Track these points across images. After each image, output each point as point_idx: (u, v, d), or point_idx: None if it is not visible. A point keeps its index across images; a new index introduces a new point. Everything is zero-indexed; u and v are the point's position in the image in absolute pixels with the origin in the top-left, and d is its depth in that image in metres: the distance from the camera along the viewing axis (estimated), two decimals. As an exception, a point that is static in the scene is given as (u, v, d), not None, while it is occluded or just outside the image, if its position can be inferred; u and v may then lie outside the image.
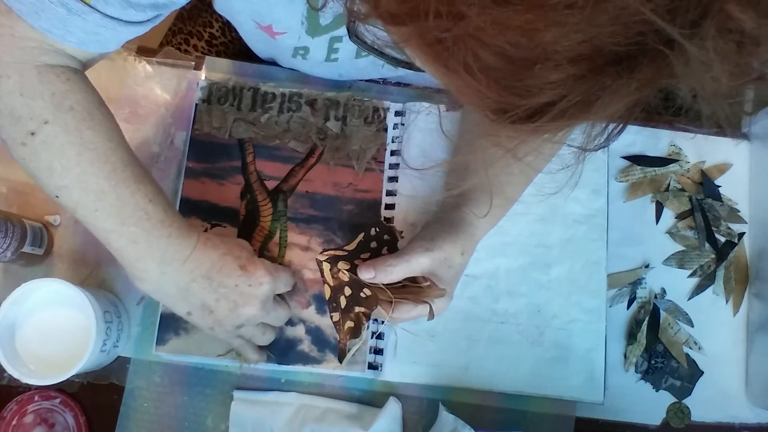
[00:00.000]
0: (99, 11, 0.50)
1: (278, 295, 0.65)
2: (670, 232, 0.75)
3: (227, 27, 0.89)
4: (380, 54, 0.39)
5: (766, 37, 0.27)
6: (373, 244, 0.63)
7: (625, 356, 0.72)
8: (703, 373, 0.72)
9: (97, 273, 0.70)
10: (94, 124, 0.55)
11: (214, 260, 0.59)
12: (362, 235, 0.63)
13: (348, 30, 0.38)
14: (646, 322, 0.72)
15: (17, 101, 0.53)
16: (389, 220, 0.72)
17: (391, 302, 0.59)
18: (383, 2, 0.30)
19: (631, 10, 0.25)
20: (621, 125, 0.32)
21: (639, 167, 0.76)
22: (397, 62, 0.39)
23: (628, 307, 0.73)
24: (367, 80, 0.76)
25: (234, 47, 0.89)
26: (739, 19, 0.26)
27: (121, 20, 0.52)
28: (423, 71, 0.34)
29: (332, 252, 0.61)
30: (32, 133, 0.53)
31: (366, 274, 0.59)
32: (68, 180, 0.54)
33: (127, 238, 0.56)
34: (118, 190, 0.55)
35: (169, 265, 0.57)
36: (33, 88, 0.53)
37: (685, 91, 0.30)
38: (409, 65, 0.36)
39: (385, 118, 0.74)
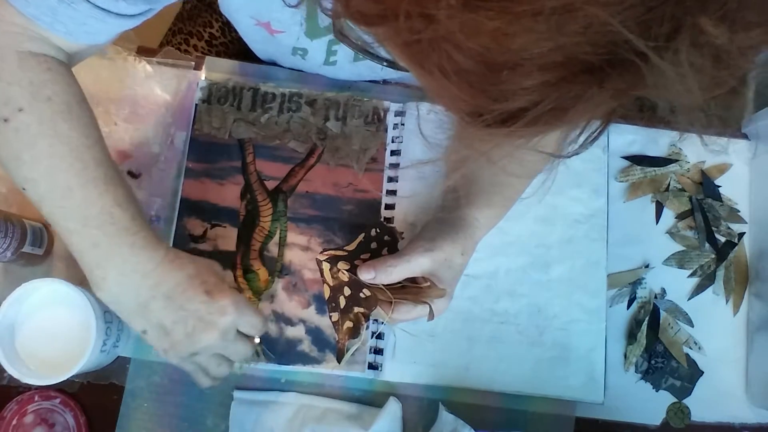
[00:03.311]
0: (89, 1, 0.49)
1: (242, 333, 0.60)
2: (670, 232, 0.75)
3: (227, 27, 0.89)
4: (366, 53, 0.39)
5: (739, 52, 0.27)
6: (373, 245, 0.63)
7: (625, 356, 0.72)
8: (703, 373, 0.72)
9: (97, 273, 0.70)
10: (71, 117, 0.54)
11: (178, 280, 0.55)
12: (362, 235, 0.63)
13: (333, 28, 0.38)
14: (646, 322, 0.72)
15: None
16: (389, 220, 0.72)
17: (391, 303, 0.59)
18: (353, 2, 0.30)
19: (601, 21, 0.25)
20: (596, 133, 0.32)
21: (639, 167, 0.76)
22: (383, 62, 0.39)
23: (628, 307, 0.73)
24: (366, 80, 0.76)
25: (234, 47, 0.89)
26: (711, 34, 0.26)
27: (111, 12, 0.51)
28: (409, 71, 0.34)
29: (332, 252, 0.61)
30: (5, 120, 0.52)
31: (366, 275, 0.59)
32: (36, 173, 0.53)
33: (89, 241, 0.53)
34: (86, 189, 0.53)
35: (129, 276, 0.54)
36: (11, 73, 0.52)
37: (663, 101, 0.30)
38: (395, 65, 0.36)
39: (385, 118, 0.74)
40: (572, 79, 0.27)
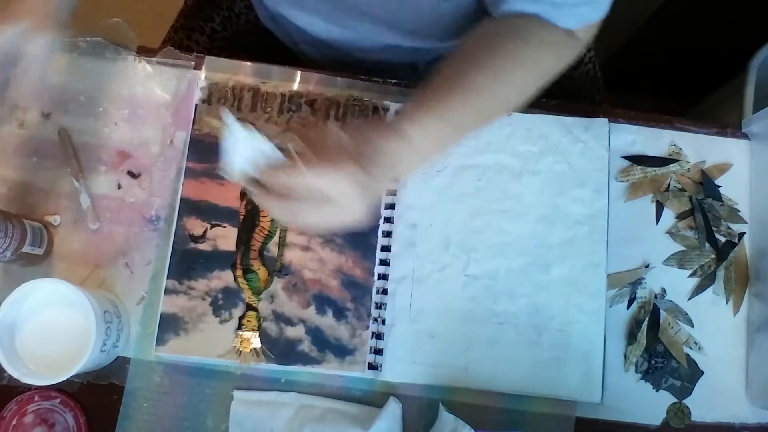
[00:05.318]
0: None
1: None
2: (670, 232, 0.75)
3: (228, 21, 0.89)
4: None
5: None
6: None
7: (625, 356, 0.72)
8: (703, 373, 0.72)
9: (97, 273, 0.70)
10: None
11: None
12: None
13: None
14: (646, 322, 0.72)
15: None
16: (389, 219, 0.72)
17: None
18: None
19: None
20: None
21: (639, 167, 0.76)
22: None
23: (628, 307, 0.73)
24: (366, 80, 0.76)
25: (236, 41, 0.90)
26: None
27: None
28: None
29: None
30: None
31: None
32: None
33: None
34: None
35: None
36: None
37: None
38: None
39: (385, 117, 0.74)
40: None
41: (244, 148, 0.53)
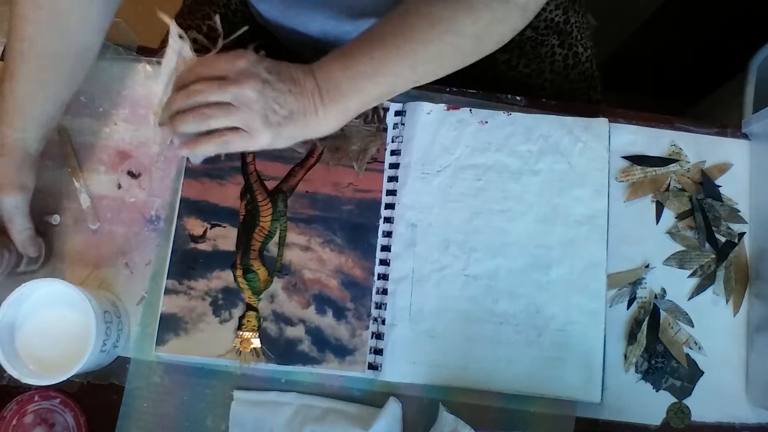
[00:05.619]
0: None
1: None
2: (670, 232, 0.75)
3: (225, 19, 0.89)
4: None
5: None
6: None
7: (625, 356, 0.72)
8: (703, 373, 0.72)
9: (97, 273, 0.70)
10: None
11: None
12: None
13: None
14: (646, 322, 0.72)
15: None
16: (389, 219, 0.72)
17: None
18: None
19: None
20: None
21: (639, 167, 0.76)
22: None
23: (628, 307, 0.73)
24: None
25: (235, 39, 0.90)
26: None
27: None
28: None
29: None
30: None
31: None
32: None
33: None
34: None
35: None
36: None
37: None
38: None
39: (384, 117, 0.74)
40: None
41: (173, 59, 0.61)
